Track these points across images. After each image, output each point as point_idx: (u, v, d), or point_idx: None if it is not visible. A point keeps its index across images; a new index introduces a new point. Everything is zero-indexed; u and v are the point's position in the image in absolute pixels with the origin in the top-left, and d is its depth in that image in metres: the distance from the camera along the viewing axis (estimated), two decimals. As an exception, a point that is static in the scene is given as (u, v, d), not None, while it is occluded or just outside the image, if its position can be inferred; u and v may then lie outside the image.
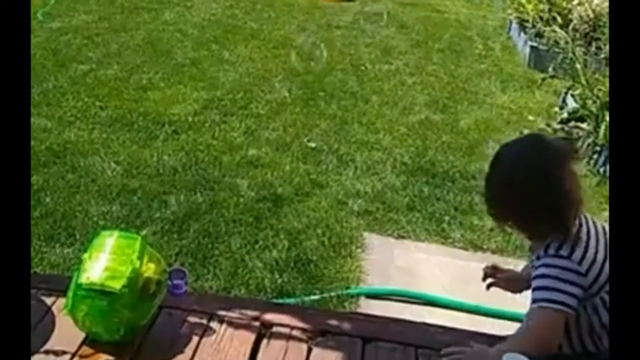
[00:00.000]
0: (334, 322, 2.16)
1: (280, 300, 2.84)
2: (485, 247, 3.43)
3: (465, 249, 3.41)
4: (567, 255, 1.74)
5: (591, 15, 6.33)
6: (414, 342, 1.97)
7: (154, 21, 6.54)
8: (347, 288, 2.98)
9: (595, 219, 1.90)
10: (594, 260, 1.77)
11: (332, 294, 2.92)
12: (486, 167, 4.45)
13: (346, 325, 2.14)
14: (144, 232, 3.17)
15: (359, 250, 3.29)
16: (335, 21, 7.35)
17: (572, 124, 4.78)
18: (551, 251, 1.76)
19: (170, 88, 5.04)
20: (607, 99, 4.71)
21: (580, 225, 1.81)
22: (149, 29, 6.31)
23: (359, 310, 2.86)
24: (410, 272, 3.18)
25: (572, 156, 1.84)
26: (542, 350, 1.70)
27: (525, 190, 1.77)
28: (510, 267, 2.36)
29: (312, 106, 5.03)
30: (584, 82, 4.94)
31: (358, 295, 2.95)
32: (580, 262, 1.74)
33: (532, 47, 6.49)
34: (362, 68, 6.00)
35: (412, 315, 2.85)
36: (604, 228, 1.86)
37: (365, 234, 3.44)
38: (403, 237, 3.47)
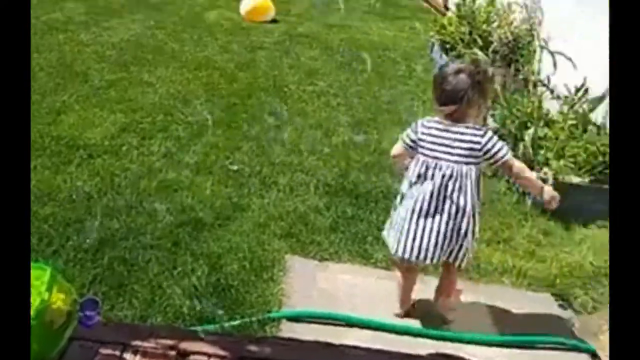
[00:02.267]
0: (253, 348, 2.09)
1: (200, 327, 2.74)
2: (408, 266, 3.42)
3: (388, 269, 3.38)
4: (423, 123, 2.88)
5: (510, 38, 6.51)
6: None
7: (69, 42, 6.34)
8: (269, 312, 2.90)
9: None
10: (434, 142, 2.81)
11: (253, 318, 2.83)
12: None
13: (266, 351, 2.08)
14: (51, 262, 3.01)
15: (281, 273, 3.23)
16: (259, 42, 7.33)
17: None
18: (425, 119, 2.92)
19: (85, 111, 4.87)
20: (525, 119, 4.83)
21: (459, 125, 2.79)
22: (64, 50, 6.11)
23: (280, 334, 2.78)
24: (333, 293, 3.14)
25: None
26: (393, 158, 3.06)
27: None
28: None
29: (234, 128, 4.96)
30: (503, 102, 5.05)
31: (279, 318, 2.87)
32: (424, 132, 2.85)
33: (452, 68, 6.63)
34: (286, 89, 5.98)
35: (334, 337, 2.80)
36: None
37: (287, 256, 3.38)
38: (326, 259, 3.42)
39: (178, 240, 3.40)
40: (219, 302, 2.94)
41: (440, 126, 2.81)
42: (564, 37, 5.70)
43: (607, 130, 4.75)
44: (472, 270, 3.43)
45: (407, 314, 3.04)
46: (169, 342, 2.03)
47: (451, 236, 2.81)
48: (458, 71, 2.79)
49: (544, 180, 4.10)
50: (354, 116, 5.55)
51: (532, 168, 4.31)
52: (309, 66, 6.77)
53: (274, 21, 8.33)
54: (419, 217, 2.83)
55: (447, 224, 2.80)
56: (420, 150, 2.84)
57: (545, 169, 4.22)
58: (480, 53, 5.63)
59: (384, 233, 3.05)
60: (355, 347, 2.11)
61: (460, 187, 2.76)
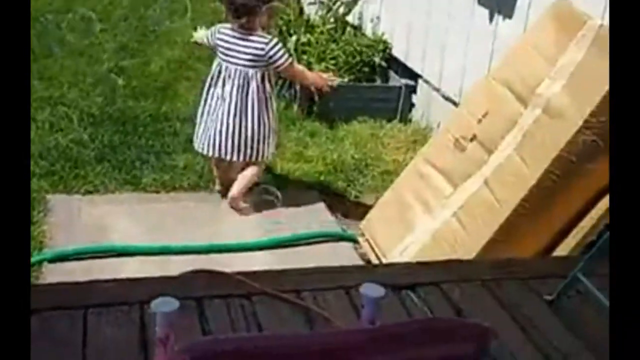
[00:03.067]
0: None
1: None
2: (177, 185, 3.40)
3: (158, 191, 3.35)
4: (219, 30, 3.22)
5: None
6: (76, 303, 1.85)
7: None
8: (29, 257, 2.76)
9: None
10: (226, 47, 3.16)
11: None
12: (179, 106, 4.36)
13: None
14: None
15: (41, 214, 3.06)
16: (8, -30, 6.65)
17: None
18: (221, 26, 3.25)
19: None
20: (287, 27, 4.89)
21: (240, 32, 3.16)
22: None
23: (43, 278, 2.67)
24: (100, 226, 3.05)
25: None
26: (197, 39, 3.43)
27: None
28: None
29: (-19, 66, 4.51)
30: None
31: (39, 262, 2.74)
32: (219, 38, 3.19)
33: (220, -18, 6.51)
34: (42, 19, 5.52)
35: (105, 271, 2.75)
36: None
37: (49, 196, 3.21)
38: (91, 192, 3.30)
39: None
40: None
41: (232, 34, 3.16)
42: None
43: (364, 31, 4.97)
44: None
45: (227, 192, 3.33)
46: None
47: (242, 132, 3.17)
48: None
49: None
50: (120, 41, 5.30)
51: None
52: (68, -9, 6.29)
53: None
54: (213, 115, 3.19)
55: (235, 122, 3.15)
56: (215, 51, 3.21)
57: (308, 74, 4.33)
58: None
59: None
60: (107, 281, 2.06)
61: (246, 89, 3.12)
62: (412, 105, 4.34)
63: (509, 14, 3.51)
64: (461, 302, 2.03)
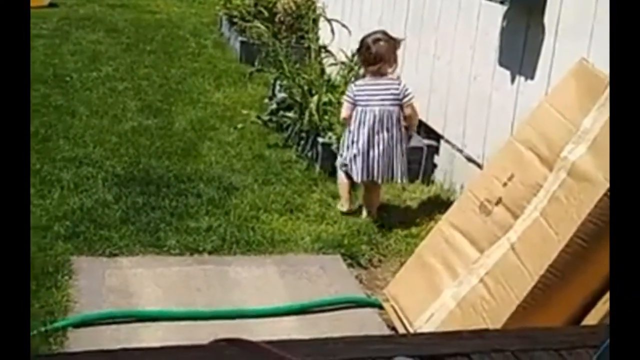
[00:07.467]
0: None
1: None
2: (201, 249, 3.39)
3: (182, 254, 3.35)
4: (355, 84, 3.91)
5: (293, 8, 6.63)
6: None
7: None
8: (53, 322, 2.75)
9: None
10: (367, 94, 3.74)
11: (34, 332, 2.67)
12: (202, 167, 4.39)
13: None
14: None
15: (66, 277, 3.06)
16: (36, 29, 6.85)
17: (280, 113, 4.94)
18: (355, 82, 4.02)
19: None
20: (309, 87, 4.95)
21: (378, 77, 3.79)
22: None
23: (68, 344, 2.65)
24: (124, 290, 3.04)
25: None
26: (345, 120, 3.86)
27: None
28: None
29: (9, 127, 4.60)
30: (287, 73, 5.13)
31: (64, 327, 2.73)
32: (358, 90, 3.77)
33: (242, 42, 6.64)
34: (67, 78, 5.66)
35: (127, 337, 2.73)
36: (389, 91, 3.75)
37: (73, 258, 3.22)
38: (115, 255, 3.30)
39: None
40: (-5, 320, 2.73)
41: (368, 82, 3.79)
42: (336, 5, 5.92)
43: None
44: (266, 242, 3.49)
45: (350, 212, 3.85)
46: None
47: (392, 156, 3.71)
48: (377, 40, 3.75)
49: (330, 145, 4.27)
50: (143, 100, 5.39)
51: (318, 134, 4.45)
52: (92, 51, 6.46)
53: (52, 5, 7.83)
54: (365, 149, 3.70)
55: (385, 149, 3.69)
56: (357, 103, 3.73)
57: (330, 134, 4.36)
58: (261, 26, 5.66)
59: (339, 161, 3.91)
60: (132, 349, 2.04)
61: (391, 122, 3.67)
62: (435, 166, 4.33)
63: (530, 75, 3.53)
64: (492, 374, 1.98)
